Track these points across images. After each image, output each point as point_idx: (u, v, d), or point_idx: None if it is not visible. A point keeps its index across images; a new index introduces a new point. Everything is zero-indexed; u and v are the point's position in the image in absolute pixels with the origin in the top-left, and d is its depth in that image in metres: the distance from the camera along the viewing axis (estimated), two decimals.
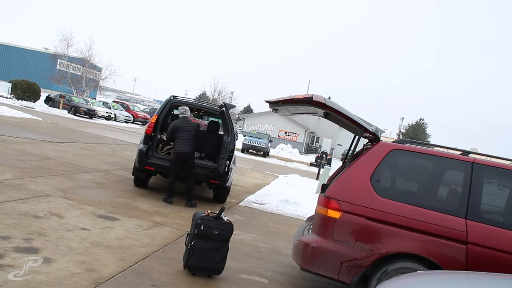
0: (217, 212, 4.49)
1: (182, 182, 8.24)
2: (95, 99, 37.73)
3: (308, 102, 4.32)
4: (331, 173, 8.36)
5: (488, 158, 4.46)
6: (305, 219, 6.22)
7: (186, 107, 7.79)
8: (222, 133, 9.06)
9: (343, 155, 28.68)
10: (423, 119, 59.96)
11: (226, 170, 7.79)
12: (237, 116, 53.67)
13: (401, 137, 55.12)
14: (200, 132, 8.00)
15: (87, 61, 39.87)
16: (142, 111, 37.92)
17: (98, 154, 11.70)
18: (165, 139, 8.72)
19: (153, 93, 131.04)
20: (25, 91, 28.08)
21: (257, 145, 28.12)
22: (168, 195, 7.52)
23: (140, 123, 33.46)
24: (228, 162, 7.85)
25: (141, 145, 7.83)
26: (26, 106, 25.34)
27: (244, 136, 31.97)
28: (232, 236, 4.51)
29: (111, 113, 30.67)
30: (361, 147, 5.20)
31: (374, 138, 4.62)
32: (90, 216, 5.64)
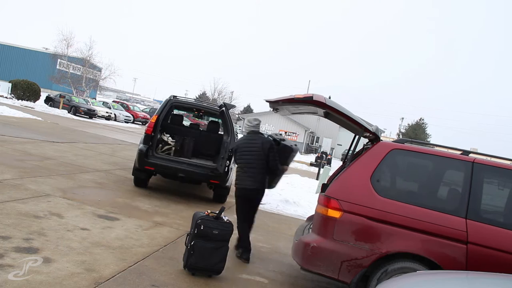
0: (217, 212, 4.49)
1: (182, 182, 8.24)
2: (95, 99, 37.73)
3: (308, 101, 4.32)
4: (331, 173, 8.36)
5: (489, 158, 4.46)
6: (305, 219, 6.21)
7: (259, 120, 5.60)
8: (222, 133, 9.07)
9: (343, 155, 28.68)
10: (423, 119, 59.90)
11: (226, 170, 7.78)
12: (237, 116, 53.65)
13: (401, 137, 55.08)
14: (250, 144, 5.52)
15: (87, 61, 39.84)
16: (142, 111, 37.92)
17: (98, 154, 11.70)
18: (165, 139, 8.72)
19: (153, 93, 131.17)
20: (25, 91, 28.05)
21: None
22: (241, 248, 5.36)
23: (140, 123, 33.45)
24: (228, 162, 7.85)
25: (141, 145, 7.83)
26: (26, 106, 25.32)
27: None
28: (232, 236, 4.51)
29: (111, 113, 30.66)
30: (361, 147, 5.20)
31: (374, 137, 4.62)
32: (90, 216, 5.64)
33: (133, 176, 8.25)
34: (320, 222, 4.26)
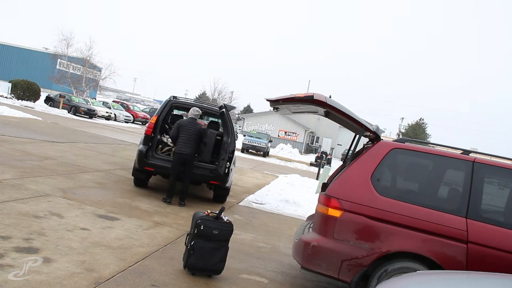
0: (217, 212, 4.48)
1: (180, 182, 8.23)
2: (95, 99, 37.72)
3: (309, 100, 4.32)
4: (331, 173, 8.36)
5: (489, 158, 4.46)
6: (305, 219, 6.21)
7: (199, 110, 7.79)
8: (222, 133, 9.06)
9: (343, 154, 28.66)
10: (423, 119, 59.92)
11: (226, 171, 7.77)
12: (237, 116, 53.63)
13: (401, 136, 55.03)
14: (203, 136, 7.85)
15: (87, 61, 39.84)
16: (142, 111, 37.91)
17: (98, 154, 11.70)
18: (164, 140, 8.72)
19: (153, 93, 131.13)
20: (25, 91, 28.06)
21: (257, 145, 28.11)
22: (168, 195, 7.52)
23: (140, 123, 33.45)
24: (228, 163, 7.83)
25: (141, 145, 7.82)
26: (26, 106, 25.31)
27: (244, 136, 31.97)
28: (232, 236, 4.50)
29: (111, 113, 30.65)
30: (362, 146, 5.19)
31: (374, 137, 4.61)
32: (90, 216, 5.63)
33: (133, 177, 8.25)
34: (321, 221, 4.26)
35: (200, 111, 7.82)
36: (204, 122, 15.05)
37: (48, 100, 29.73)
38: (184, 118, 8.07)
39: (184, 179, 7.64)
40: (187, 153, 7.39)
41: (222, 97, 55.02)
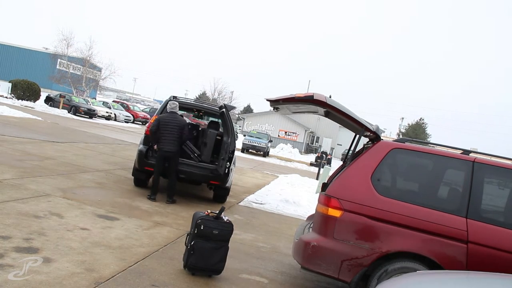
0: (217, 212, 4.48)
1: (180, 182, 8.22)
2: (95, 99, 37.71)
3: (309, 100, 4.32)
4: (331, 173, 8.36)
5: (489, 158, 4.45)
6: (305, 219, 6.21)
7: (176, 103, 7.72)
8: (222, 133, 9.06)
9: (343, 154, 28.63)
10: (423, 119, 59.91)
11: (226, 171, 7.77)
12: (237, 116, 53.62)
13: (401, 136, 54.99)
14: (189, 130, 8.04)
15: (87, 61, 39.84)
16: (142, 111, 37.90)
17: (98, 154, 11.70)
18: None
19: (153, 93, 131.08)
20: (25, 91, 28.06)
21: (257, 145, 28.11)
22: (152, 192, 7.48)
23: (140, 123, 33.45)
24: (228, 163, 7.83)
25: (141, 145, 7.83)
26: (26, 106, 25.31)
27: (244, 136, 31.97)
28: (232, 236, 4.50)
29: (111, 113, 30.64)
30: (362, 146, 5.19)
31: (375, 137, 4.61)
32: (90, 216, 5.63)
33: (133, 177, 8.25)
34: (321, 221, 4.26)
35: (177, 103, 7.74)
36: (204, 122, 15.06)
37: (48, 100, 29.72)
38: (184, 118, 8.07)
39: (169, 175, 7.57)
40: (170, 150, 7.32)
41: (222, 97, 54.97)
